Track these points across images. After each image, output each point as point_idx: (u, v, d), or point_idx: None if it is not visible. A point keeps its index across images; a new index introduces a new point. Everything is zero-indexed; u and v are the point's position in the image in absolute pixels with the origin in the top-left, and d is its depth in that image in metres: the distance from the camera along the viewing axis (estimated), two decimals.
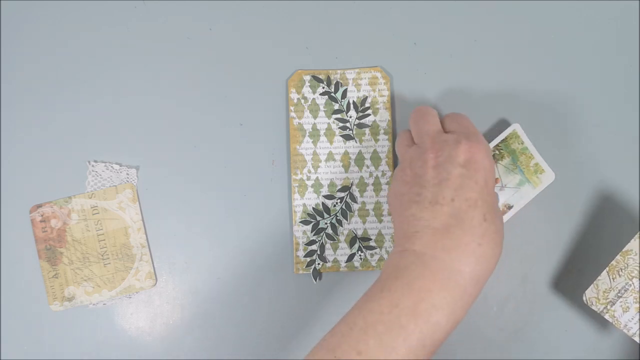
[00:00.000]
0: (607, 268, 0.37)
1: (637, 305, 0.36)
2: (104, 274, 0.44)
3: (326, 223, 0.45)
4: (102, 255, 0.44)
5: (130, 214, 0.45)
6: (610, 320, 0.37)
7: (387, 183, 0.45)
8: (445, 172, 0.34)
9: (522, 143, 0.41)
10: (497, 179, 0.40)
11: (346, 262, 0.45)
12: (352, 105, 0.46)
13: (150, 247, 0.45)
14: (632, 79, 0.46)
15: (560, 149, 0.46)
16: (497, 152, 0.41)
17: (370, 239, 0.45)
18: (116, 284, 0.44)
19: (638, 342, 0.36)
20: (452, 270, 0.32)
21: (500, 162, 0.41)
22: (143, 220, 0.45)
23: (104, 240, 0.44)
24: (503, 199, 0.40)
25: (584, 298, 0.38)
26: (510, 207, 0.40)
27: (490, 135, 0.45)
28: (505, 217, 0.40)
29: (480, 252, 0.32)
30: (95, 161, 0.45)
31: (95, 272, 0.44)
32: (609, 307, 0.37)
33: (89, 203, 0.44)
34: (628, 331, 0.36)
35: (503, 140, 0.41)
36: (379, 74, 0.46)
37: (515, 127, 0.41)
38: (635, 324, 0.36)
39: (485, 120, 0.46)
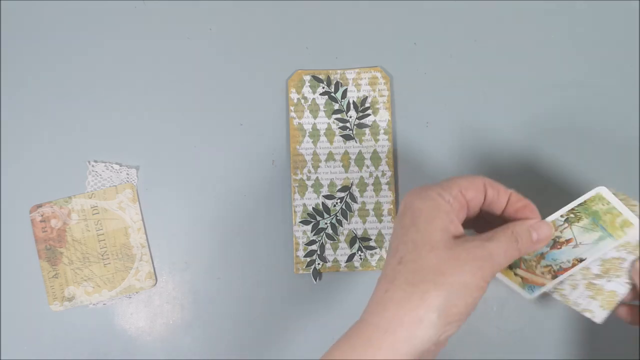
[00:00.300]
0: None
1: (585, 281, 0.37)
2: (104, 274, 0.44)
3: (326, 223, 0.45)
4: (102, 255, 0.44)
5: (130, 214, 0.45)
6: (559, 299, 0.38)
7: (387, 183, 0.45)
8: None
9: (608, 203, 0.36)
10: (570, 239, 0.36)
11: (346, 262, 0.45)
12: (352, 105, 0.46)
13: (150, 247, 0.45)
14: (632, 79, 0.46)
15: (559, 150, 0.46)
16: (572, 215, 0.36)
17: (370, 239, 0.45)
18: (116, 284, 0.44)
19: (588, 317, 0.37)
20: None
21: (576, 224, 0.36)
22: (143, 220, 0.45)
23: (104, 240, 0.44)
24: (574, 254, 0.36)
25: None
26: (581, 260, 0.36)
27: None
28: (573, 270, 0.37)
29: (388, 297, 0.30)
30: (95, 161, 0.45)
31: (95, 272, 0.44)
32: (558, 286, 0.37)
33: (89, 203, 0.44)
34: (577, 307, 0.37)
35: (582, 204, 0.36)
36: (379, 74, 0.46)
37: (600, 190, 0.35)
38: (583, 299, 0.37)
39: (485, 119, 0.46)
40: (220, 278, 0.45)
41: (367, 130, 0.46)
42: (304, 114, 0.46)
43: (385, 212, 0.45)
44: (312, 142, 0.46)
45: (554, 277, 0.37)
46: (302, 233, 0.45)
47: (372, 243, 0.45)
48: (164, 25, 0.46)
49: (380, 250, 0.45)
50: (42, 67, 0.46)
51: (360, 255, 0.45)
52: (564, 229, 0.36)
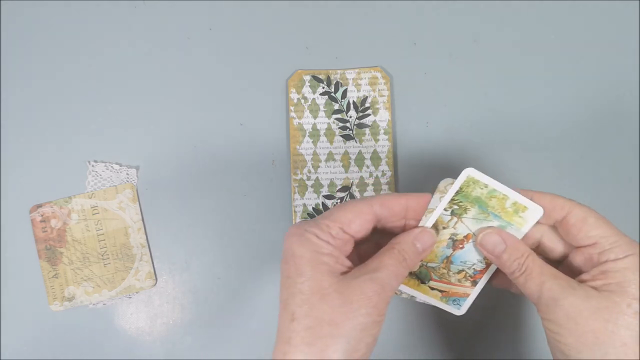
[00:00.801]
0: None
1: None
2: (104, 274, 0.44)
3: None
4: (102, 255, 0.44)
5: (130, 214, 0.45)
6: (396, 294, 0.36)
7: (387, 183, 0.45)
8: None
9: (486, 186, 0.33)
10: (468, 235, 0.34)
11: None
12: (352, 105, 0.46)
13: (150, 247, 0.45)
14: (632, 79, 0.46)
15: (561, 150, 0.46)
16: (456, 207, 0.33)
17: None
18: (116, 284, 0.44)
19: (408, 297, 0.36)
20: None
21: (464, 216, 0.34)
22: (143, 220, 0.45)
23: (104, 240, 0.44)
24: (481, 256, 0.35)
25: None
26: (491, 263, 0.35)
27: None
28: (491, 270, 0.36)
29: None
30: (95, 161, 0.45)
31: (95, 272, 0.44)
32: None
33: (89, 203, 0.44)
34: (400, 294, 0.36)
35: (458, 191, 0.33)
36: (379, 74, 0.46)
37: (469, 172, 0.33)
38: (403, 286, 0.36)
39: (485, 119, 0.46)
40: (220, 278, 0.45)
41: (367, 130, 0.46)
42: (304, 114, 0.46)
43: None
44: (312, 142, 0.46)
45: (474, 282, 0.35)
46: None
47: None
48: (164, 25, 0.46)
49: None
50: (42, 67, 0.46)
51: None
52: (456, 223, 0.34)
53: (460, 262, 0.35)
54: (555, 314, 0.30)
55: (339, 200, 0.45)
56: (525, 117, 0.46)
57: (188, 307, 0.45)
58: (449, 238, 0.34)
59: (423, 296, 0.36)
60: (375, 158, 0.46)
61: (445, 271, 0.35)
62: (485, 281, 0.36)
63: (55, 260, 0.44)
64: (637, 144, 0.46)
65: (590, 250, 0.31)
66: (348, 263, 0.31)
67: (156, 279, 0.45)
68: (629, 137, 0.46)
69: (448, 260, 0.35)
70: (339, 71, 0.46)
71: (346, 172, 0.46)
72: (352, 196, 0.45)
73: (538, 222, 0.33)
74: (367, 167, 0.46)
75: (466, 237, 0.34)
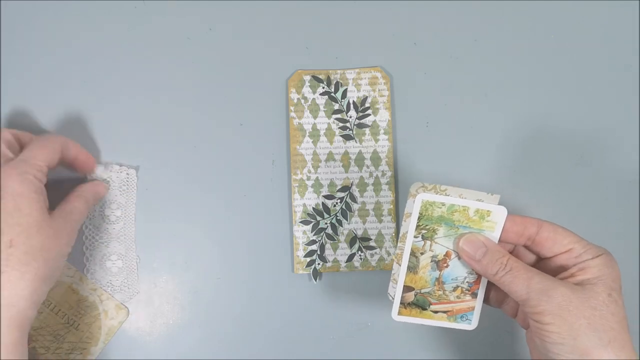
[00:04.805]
0: (394, 259, 0.37)
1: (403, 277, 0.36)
2: (81, 336, 0.43)
3: (326, 223, 0.45)
4: (68, 323, 0.43)
5: (63, 273, 0.44)
6: (390, 299, 0.37)
7: (387, 183, 0.45)
8: None
9: (443, 204, 0.33)
10: (447, 252, 0.35)
11: (346, 262, 0.45)
12: (352, 105, 0.46)
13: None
14: (632, 79, 0.46)
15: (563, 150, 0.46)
16: (424, 231, 0.34)
17: (370, 239, 0.45)
18: (97, 336, 0.44)
19: (391, 299, 0.37)
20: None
21: (435, 237, 0.34)
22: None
23: (59, 310, 0.43)
24: (467, 269, 0.35)
25: (389, 297, 0.37)
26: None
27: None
28: (486, 280, 0.36)
29: (5, 278, 0.34)
30: (95, 162, 0.45)
31: (73, 340, 0.43)
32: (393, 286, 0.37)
33: None
34: (392, 298, 0.36)
35: (420, 217, 0.34)
36: (379, 74, 0.46)
37: (422, 198, 0.33)
38: (392, 288, 0.37)
39: (485, 119, 0.46)
40: (220, 278, 0.45)
41: (367, 130, 0.46)
42: (304, 114, 0.46)
43: (385, 212, 0.45)
44: (312, 142, 0.46)
45: (473, 294, 0.36)
46: (302, 233, 0.45)
47: (372, 243, 0.45)
48: (164, 25, 0.46)
49: (381, 250, 0.45)
50: (41, 67, 0.46)
51: (360, 256, 0.45)
52: (431, 246, 0.35)
53: (452, 279, 0.36)
54: (547, 305, 0.32)
55: (339, 201, 0.45)
56: (525, 116, 0.46)
57: (188, 307, 0.45)
58: (431, 261, 0.35)
59: (429, 321, 0.36)
60: (375, 158, 0.46)
61: (441, 292, 0.36)
62: (484, 289, 0.36)
63: (34, 356, 0.43)
64: (637, 144, 0.46)
65: (566, 256, 0.34)
66: (47, 203, 0.38)
67: (126, 307, 0.44)
68: (629, 136, 0.46)
69: (439, 281, 0.35)
70: (339, 71, 0.46)
71: (346, 172, 0.46)
72: (352, 196, 0.45)
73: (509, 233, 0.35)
74: (367, 167, 0.46)
75: (446, 254, 0.35)
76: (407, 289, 0.36)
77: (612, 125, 0.46)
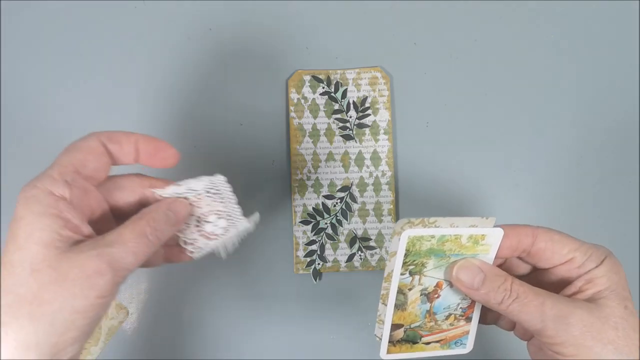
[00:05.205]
0: (380, 299, 0.33)
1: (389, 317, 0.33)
2: None
3: (326, 223, 0.45)
4: None
5: None
6: (377, 339, 0.34)
7: (387, 183, 0.45)
8: None
9: (432, 236, 0.30)
10: (438, 282, 0.32)
11: (346, 262, 0.45)
12: (352, 105, 0.46)
13: None
14: (632, 80, 0.46)
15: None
16: (412, 267, 0.31)
17: (370, 239, 0.45)
18: (97, 336, 0.44)
19: (378, 339, 0.33)
20: None
21: (425, 270, 0.31)
22: None
23: None
24: (460, 294, 0.33)
25: (376, 338, 0.34)
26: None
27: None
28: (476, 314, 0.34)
29: None
30: None
31: None
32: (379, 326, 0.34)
33: None
34: (379, 339, 0.33)
35: (406, 254, 0.31)
36: (379, 74, 0.46)
37: (408, 234, 0.30)
38: (379, 329, 0.33)
39: (485, 119, 0.46)
40: (220, 278, 0.45)
41: (367, 130, 0.46)
42: (304, 114, 0.46)
43: (385, 212, 0.45)
44: (312, 142, 0.46)
45: (468, 319, 0.33)
46: (302, 233, 0.45)
47: (372, 243, 0.45)
48: (164, 25, 0.46)
49: (381, 250, 0.45)
50: (41, 67, 0.46)
51: (360, 255, 0.45)
52: (420, 280, 0.32)
53: (444, 308, 0.33)
54: (566, 334, 0.28)
55: (339, 201, 0.45)
56: (525, 116, 0.46)
57: (188, 307, 0.45)
58: (421, 294, 0.32)
59: (421, 354, 0.33)
60: (375, 158, 0.46)
61: (432, 323, 0.33)
62: (479, 311, 0.34)
63: None
64: (637, 144, 0.46)
65: (568, 267, 0.31)
66: (86, 230, 0.26)
67: (125, 306, 0.44)
68: (630, 136, 0.46)
69: (430, 313, 0.33)
70: (339, 71, 0.46)
71: (346, 172, 0.46)
72: (352, 196, 0.45)
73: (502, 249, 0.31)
74: (367, 167, 0.46)
75: (437, 285, 0.32)
76: (395, 326, 0.33)
77: (612, 125, 0.46)
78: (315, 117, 0.46)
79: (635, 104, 0.46)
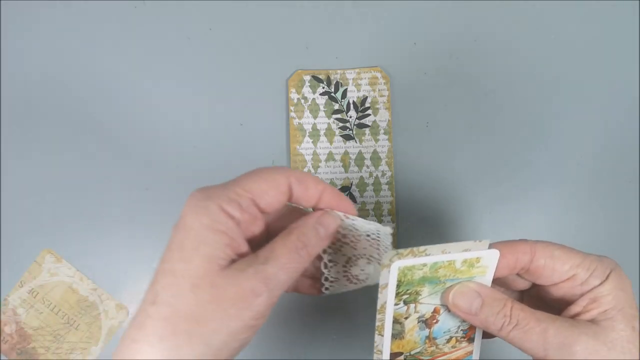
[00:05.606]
0: (376, 330, 0.32)
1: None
2: (81, 336, 0.44)
3: None
4: (68, 323, 0.43)
5: (63, 272, 0.44)
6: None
7: (387, 183, 0.45)
8: None
9: (424, 265, 0.29)
10: (435, 308, 0.31)
11: None
12: (352, 105, 0.46)
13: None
14: (632, 80, 0.46)
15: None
16: (405, 296, 0.30)
17: None
18: (97, 336, 0.44)
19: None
20: None
21: (420, 298, 0.30)
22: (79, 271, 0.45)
23: (59, 310, 0.43)
24: (459, 318, 0.31)
25: None
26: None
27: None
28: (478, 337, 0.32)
29: (135, 351, 0.24)
30: None
31: (73, 339, 0.43)
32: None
33: (24, 291, 0.43)
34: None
35: (398, 284, 0.29)
36: (379, 74, 0.46)
37: (398, 266, 0.28)
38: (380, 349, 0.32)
39: (485, 119, 0.46)
40: None
41: (367, 130, 0.46)
42: (304, 114, 0.46)
43: (385, 212, 0.45)
44: (312, 142, 0.46)
45: (470, 340, 0.32)
46: None
47: None
48: (164, 25, 0.46)
49: None
50: (40, 67, 0.46)
51: None
52: (415, 308, 0.31)
53: (444, 332, 0.32)
54: None
55: None
56: (525, 116, 0.46)
57: None
58: (418, 322, 0.31)
59: None
60: (375, 158, 0.46)
61: (433, 348, 0.32)
62: (482, 331, 0.32)
63: (34, 356, 0.43)
64: (637, 144, 0.46)
65: (570, 284, 0.29)
66: (245, 249, 0.26)
67: (125, 306, 0.44)
68: (630, 136, 0.46)
69: (430, 338, 0.32)
70: (339, 71, 0.46)
71: (346, 172, 0.46)
72: (352, 196, 0.45)
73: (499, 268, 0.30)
74: (367, 167, 0.46)
75: (435, 311, 0.31)
76: (395, 355, 0.32)
77: (612, 125, 0.46)
78: (315, 117, 0.46)
79: (636, 105, 0.46)
